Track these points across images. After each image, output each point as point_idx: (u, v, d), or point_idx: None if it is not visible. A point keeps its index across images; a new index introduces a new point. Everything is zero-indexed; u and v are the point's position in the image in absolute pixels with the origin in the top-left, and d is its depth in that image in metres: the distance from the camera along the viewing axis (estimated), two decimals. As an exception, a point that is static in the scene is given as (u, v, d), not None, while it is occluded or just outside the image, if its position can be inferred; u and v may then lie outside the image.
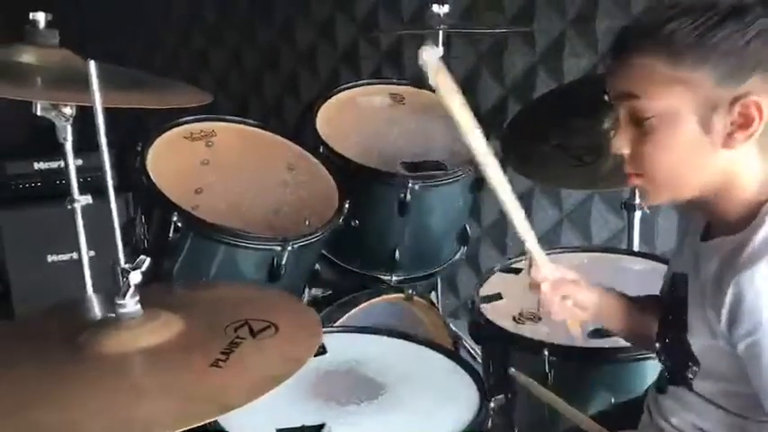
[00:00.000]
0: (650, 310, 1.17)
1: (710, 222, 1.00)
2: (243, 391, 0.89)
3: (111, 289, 1.07)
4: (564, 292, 1.12)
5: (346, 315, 1.72)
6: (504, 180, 1.08)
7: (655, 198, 0.98)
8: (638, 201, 1.99)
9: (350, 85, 1.95)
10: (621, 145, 0.95)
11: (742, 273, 0.87)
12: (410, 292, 1.81)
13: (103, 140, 1.14)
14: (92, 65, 1.12)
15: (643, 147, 0.93)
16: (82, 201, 1.47)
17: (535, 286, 1.12)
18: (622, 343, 1.44)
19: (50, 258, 2.64)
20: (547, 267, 1.12)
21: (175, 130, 1.64)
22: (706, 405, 0.99)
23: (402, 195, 1.68)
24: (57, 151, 1.52)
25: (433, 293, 2.16)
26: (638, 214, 1.99)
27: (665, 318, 1.08)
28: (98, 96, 1.11)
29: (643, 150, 0.93)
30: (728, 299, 0.88)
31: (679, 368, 1.02)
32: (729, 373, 0.95)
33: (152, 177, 1.50)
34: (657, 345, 1.09)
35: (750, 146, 0.91)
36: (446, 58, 2.31)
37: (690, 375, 1.00)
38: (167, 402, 0.88)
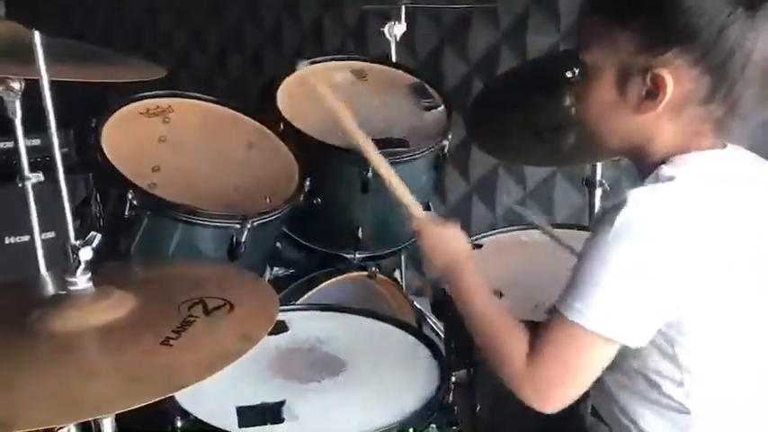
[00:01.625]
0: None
1: (637, 176, 1.06)
2: (192, 369, 0.87)
3: (64, 266, 1.04)
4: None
5: (309, 293, 1.71)
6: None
7: (599, 150, 1.12)
8: (599, 178, 2.01)
9: (312, 60, 1.92)
10: (574, 92, 1.07)
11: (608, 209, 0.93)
12: (373, 269, 1.81)
13: (51, 114, 1.11)
14: (36, 35, 1.08)
15: (577, 96, 1.03)
16: (33, 178, 1.44)
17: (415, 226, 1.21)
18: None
19: (8, 240, 2.58)
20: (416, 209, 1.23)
21: (131, 105, 1.60)
22: (629, 359, 1.02)
23: (364, 173, 1.67)
24: (11, 130, 1.48)
25: (397, 271, 2.16)
26: (598, 191, 2.01)
27: None
28: (43, 68, 1.07)
29: (576, 99, 1.04)
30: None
31: None
32: None
33: (107, 154, 1.46)
34: None
35: (662, 114, 0.95)
36: (409, 35, 2.31)
37: None
38: (115, 382, 0.87)
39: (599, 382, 1.12)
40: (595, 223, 0.97)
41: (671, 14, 0.90)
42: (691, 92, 0.92)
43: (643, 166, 1.00)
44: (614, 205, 0.92)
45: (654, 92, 0.93)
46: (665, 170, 0.95)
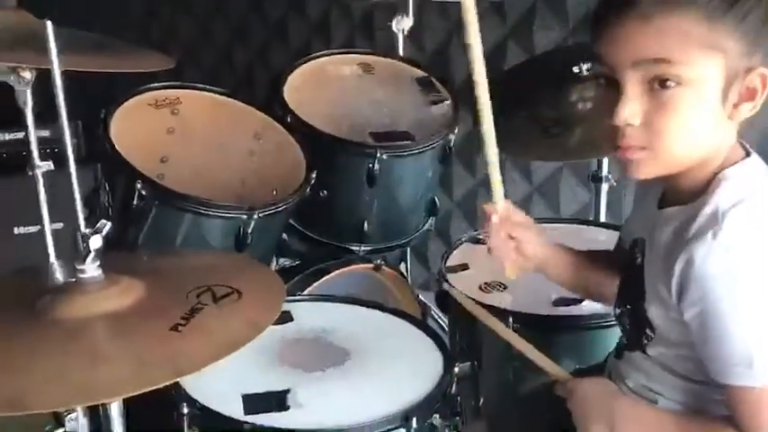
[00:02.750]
0: (601, 265, 1.19)
1: (667, 189, 1.01)
2: (200, 355, 0.88)
3: (73, 255, 1.06)
4: (510, 229, 1.13)
5: (314, 285, 1.72)
6: (488, 104, 1.14)
7: (650, 171, 0.93)
8: (605, 173, 2.01)
9: (319, 54, 1.93)
10: (633, 115, 0.88)
11: (689, 245, 0.87)
12: (379, 262, 1.82)
13: (61, 103, 1.12)
14: (48, 25, 1.09)
15: (659, 117, 0.87)
16: (43, 167, 1.45)
17: (487, 217, 1.14)
18: (585, 311, 1.47)
19: (17, 230, 2.60)
20: (501, 201, 1.13)
21: (140, 97, 1.61)
22: (659, 369, 1.01)
23: (370, 166, 1.68)
24: (22, 122, 1.50)
25: (403, 265, 2.17)
26: (604, 186, 2.01)
27: (623, 283, 1.10)
28: (55, 57, 1.08)
29: (659, 121, 0.87)
30: (677, 271, 0.88)
31: (636, 333, 1.04)
32: (680, 339, 0.96)
33: (116, 145, 1.47)
34: (618, 310, 1.11)
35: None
36: (417, 29, 2.31)
37: (645, 341, 1.02)
38: (123, 367, 0.88)
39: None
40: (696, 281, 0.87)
41: (764, 14, 0.85)
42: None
43: (688, 175, 0.92)
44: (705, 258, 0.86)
45: (750, 93, 0.86)
46: (733, 184, 0.89)
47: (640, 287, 1.01)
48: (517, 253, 1.14)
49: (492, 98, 2.03)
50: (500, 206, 1.13)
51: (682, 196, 0.96)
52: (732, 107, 0.88)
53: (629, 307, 1.07)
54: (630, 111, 0.88)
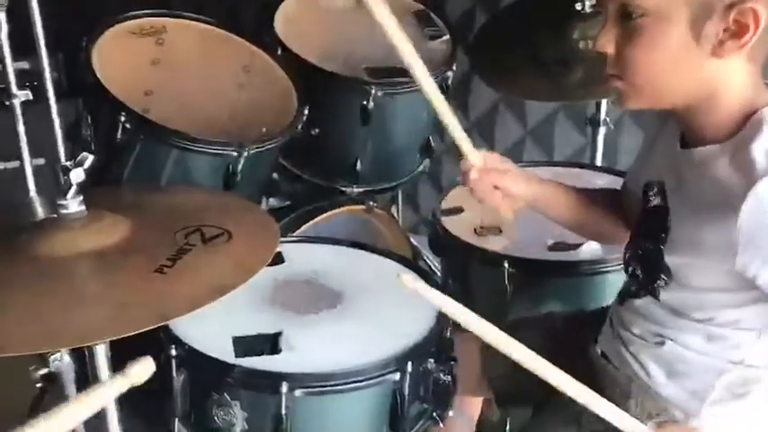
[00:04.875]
0: (600, 204, 1.17)
1: (689, 131, 0.96)
2: (186, 299, 0.84)
3: (55, 191, 1.00)
4: (492, 180, 1.11)
5: (305, 226, 1.68)
6: (429, 79, 1.10)
7: (633, 102, 0.94)
8: (602, 116, 1.97)
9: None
10: (605, 43, 0.90)
11: (759, 183, 0.82)
12: (371, 204, 1.78)
13: (39, 29, 1.05)
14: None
15: (628, 47, 0.89)
16: (21, 96, 1.38)
17: (464, 175, 1.11)
18: (582, 256, 1.45)
19: (-2, 166, 2.53)
20: (473, 156, 1.10)
21: (122, 24, 1.52)
22: (670, 314, 1.00)
23: (364, 102, 1.62)
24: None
25: (394, 208, 2.13)
26: (602, 130, 1.97)
27: (638, 228, 1.06)
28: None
29: (627, 51, 0.89)
30: (746, 213, 0.84)
31: (648, 279, 1.01)
32: (709, 284, 0.94)
33: (98, 75, 1.40)
34: (627, 253, 1.07)
35: (738, 55, 0.86)
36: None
37: (659, 286, 0.99)
38: (103, 309, 0.84)
39: (609, 332, 1.12)
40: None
41: None
42: (767, 23, 0.83)
43: (709, 117, 0.90)
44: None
45: (738, 30, 0.83)
46: None
47: (659, 231, 0.97)
48: (506, 197, 1.13)
49: (489, 36, 1.99)
50: (474, 159, 1.10)
51: (707, 136, 0.92)
52: (716, 44, 0.85)
53: (640, 252, 1.04)
54: (604, 38, 0.90)
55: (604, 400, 0.88)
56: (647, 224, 1.03)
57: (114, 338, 0.80)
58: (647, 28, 0.86)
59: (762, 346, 0.95)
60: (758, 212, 0.84)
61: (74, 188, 0.93)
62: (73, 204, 0.94)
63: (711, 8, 0.83)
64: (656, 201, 1.00)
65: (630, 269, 1.07)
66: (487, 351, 1.29)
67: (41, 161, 1.63)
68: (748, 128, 0.87)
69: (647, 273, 1.02)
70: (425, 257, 2.02)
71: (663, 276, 0.98)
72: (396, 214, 2.11)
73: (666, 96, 0.92)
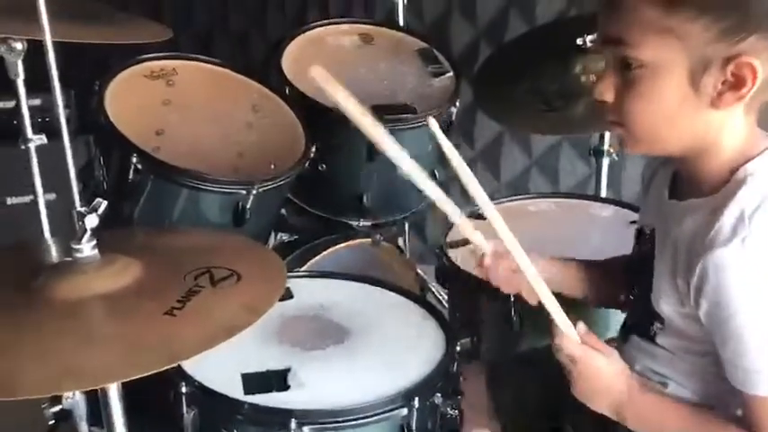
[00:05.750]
0: (615, 272, 1.16)
1: (679, 179, 0.98)
2: (195, 340, 0.86)
3: (69, 233, 1.03)
4: (509, 264, 1.09)
5: (313, 260, 1.70)
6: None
7: (633, 149, 0.95)
8: (606, 147, 1.99)
9: (318, 23, 1.88)
10: (605, 92, 0.91)
11: (711, 252, 0.85)
12: (378, 237, 1.80)
13: (54, 74, 1.09)
14: (40, -6, 1.05)
15: (626, 97, 0.89)
16: (36, 140, 1.42)
17: (479, 263, 1.10)
18: (588, 288, 1.46)
19: (10, 201, 2.57)
20: (484, 243, 1.09)
21: (134, 68, 1.57)
22: (669, 356, 1.00)
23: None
24: (12, 90, 1.46)
25: (401, 239, 2.15)
26: (605, 161, 1.99)
27: (633, 270, 1.08)
28: (47, 27, 1.04)
29: (626, 100, 0.90)
30: (697, 274, 0.87)
31: (644, 323, 1.02)
32: (694, 335, 0.95)
33: (110, 117, 1.43)
34: (622, 297, 1.09)
35: (737, 107, 0.87)
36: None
37: (653, 330, 1.00)
38: (115, 350, 0.86)
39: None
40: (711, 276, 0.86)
41: None
42: (766, 76, 0.85)
43: (702, 167, 0.92)
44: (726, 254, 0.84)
45: (736, 82, 0.84)
46: (756, 181, 0.87)
47: (647, 280, 0.99)
48: (525, 285, 1.11)
49: (493, 69, 2.02)
50: (485, 247, 1.10)
51: (694, 188, 0.94)
52: (715, 96, 0.86)
53: (631, 297, 1.06)
54: (603, 87, 0.91)
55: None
56: (637, 269, 1.04)
57: (123, 380, 0.81)
58: (646, 79, 0.87)
59: None
60: (703, 282, 0.86)
61: (88, 233, 0.96)
62: (87, 248, 0.97)
63: (709, 61, 0.84)
64: (645, 246, 1.02)
65: (627, 312, 1.08)
66: (494, 383, 1.31)
67: (53, 196, 1.67)
68: (731, 184, 0.89)
69: (641, 317, 1.03)
70: (432, 289, 2.04)
71: (655, 322, 0.99)
72: (403, 246, 2.13)
73: (664, 145, 0.93)
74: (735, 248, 0.84)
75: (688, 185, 0.96)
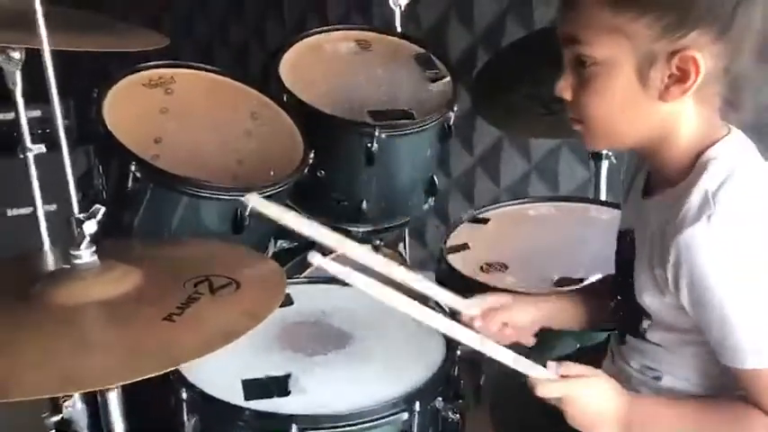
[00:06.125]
0: (606, 292, 1.16)
1: (650, 176, 1.01)
2: (193, 346, 0.87)
3: (68, 241, 1.04)
4: (497, 321, 1.11)
5: (313, 266, 1.69)
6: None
7: (592, 144, 1.00)
8: (605, 150, 1.99)
9: (315, 31, 1.89)
10: (563, 89, 0.95)
11: (683, 231, 0.87)
12: (377, 242, 1.80)
13: (53, 85, 1.09)
14: (37, 3, 1.06)
15: (582, 93, 0.94)
16: (35, 150, 1.42)
17: (470, 325, 1.11)
18: (587, 291, 1.46)
19: (10, 212, 2.58)
20: (468, 307, 1.11)
21: (132, 76, 1.57)
22: (662, 351, 1.01)
23: (369, 145, 1.65)
24: (12, 101, 1.47)
25: (401, 245, 2.15)
26: (605, 164, 1.99)
27: (614, 278, 1.09)
28: (45, 36, 1.05)
29: (581, 97, 0.94)
30: (672, 258, 0.89)
31: (633, 322, 1.03)
32: (679, 325, 0.96)
33: (108, 126, 1.44)
34: (612, 303, 1.10)
35: (687, 99, 0.91)
36: (414, 5, 2.27)
37: (643, 328, 1.01)
38: (114, 355, 0.87)
39: (610, 365, 1.12)
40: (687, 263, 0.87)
41: None
42: (712, 68, 0.89)
43: (665, 159, 0.95)
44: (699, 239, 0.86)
45: (681, 75, 0.88)
46: (717, 163, 0.90)
47: (629, 279, 1.00)
48: (516, 330, 1.13)
49: (491, 74, 2.03)
50: (472, 311, 1.11)
51: (665, 181, 0.97)
52: (662, 89, 0.89)
53: (619, 298, 1.06)
54: (562, 85, 0.95)
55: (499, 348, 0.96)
56: (620, 270, 1.06)
57: (123, 383, 0.82)
58: (598, 75, 0.91)
59: None
60: (678, 265, 0.88)
61: (87, 239, 0.96)
62: (86, 255, 0.97)
63: (655, 56, 0.88)
64: (627, 248, 1.03)
65: (616, 316, 1.09)
66: (496, 408, 1.31)
67: (53, 207, 1.67)
68: (694, 172, 0.92)
69: (630, 316, 1.04)
70: (434, 294, 2.03)
71: (643, 319, 1.00)
72: (403, 251, 2.13)
73: (621, 138, 0.97)
74: (702, 226, 0.87)
75: (656, 181, 0.99)
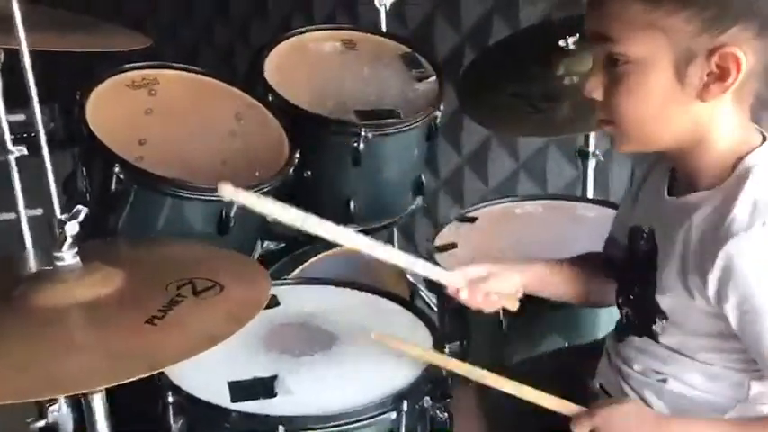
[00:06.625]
0: (589, 268, 1.17)
1: (677, 175, 0.98)
2: (175, 349, 0.86)
3: (50, 243, 1.02)
4: (481, 291, 1.11)
5: (300, 267, 1.69)
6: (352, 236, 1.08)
7: (624, 146, 0.95)
8: (592, 149, 1.99)
9: (300, 30, 1.88)
10: (593, 89, 0.91)
11: (730, 241, 0.84)
12: (366, 242, 1.79)
13: (32, 85, 1.08)
14: (14, 2, 1.04)
15: (614, 93, 0.90)
16: (16, 152, 1.40)
17: (455, 295, 1.11)
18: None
19: (-2, 217, 2.55)
20: (453, 279, 1.10)
21: (116, 77, 1.55)
22: (673, 354, 0.99)
23: (355, 145, 1.64)
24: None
25: (390, 245, 2.14)
26: (592, 162, 2.00)
27: (626, 274, 1.07)
28: (23, 37, 1.04)
29: (614, 97, 0.90)
30: (717, 268, 0.86)
31: (645, 322, 1.01)
32: (703, 329, 0.94)
33: (92, 127, 1.43)
34: (619, 300, 1.08)
35: (725, 98, 0.88)
36: (399, 4, 2.28)
37: (657, 329, 0.99)
38: (95, 358, 0.86)
39: (607, 366, 1.12)
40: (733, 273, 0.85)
41: None
42: (753, 66, 0.86)
43: (699, 162, 0.92)
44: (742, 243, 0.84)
45: (720, 73, 0.85)
46: (761, 170, 0.87)
47: (650, 278, 0.98)
48: (502, 297, 1.14)
49: (477, 73, 2.03)
50: (457, 281, 1.11)
51: (698, 182, 0.93)
52: (701, 88, 0.86)
53: (631, 297, 1.04)
54: (592, 85, 0.91)
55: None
56: (634, 269, 1.03)
57: (105, 387, 0.81)
58: (632, 74, 0.87)
59: (766, 384, 0.94)
60: (728, 274, 0.86)
61: (69, 241, 0.95)
62: (68, 256, 0.96)
63: (694, 53, 0.85)
64: (642, 246, 1.01)
65: (625, 313, 1.07)
66: (485, 402, 1.31)
67: (39, 212, 1.65)
68: (735, 177, 0.89)
69: (642, 316, 1.02)
70: (422, 294, 2.03)
71: (658, 319, 0.98)
72: (392, 251, 2.12)
73: (656, 140, 0.93)
74: (756, 232, 0.84)
75: (686, 181, 0.96)
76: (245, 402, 1.10)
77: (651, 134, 0.91)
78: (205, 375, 1.14)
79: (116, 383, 0.80)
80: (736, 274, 0.85)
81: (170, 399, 1.12)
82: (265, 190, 1.51)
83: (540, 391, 1.03)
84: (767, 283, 0.85)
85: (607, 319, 1.28)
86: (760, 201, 0.86)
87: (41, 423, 1.16)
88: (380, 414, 1.10)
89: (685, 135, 0.91)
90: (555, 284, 1.18)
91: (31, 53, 1.25)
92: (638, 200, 1.08)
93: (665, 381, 1.01)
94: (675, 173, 0.99)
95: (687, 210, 0.92)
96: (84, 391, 0.96)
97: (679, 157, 0.94)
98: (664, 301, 0.96)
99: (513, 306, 1.16)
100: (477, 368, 1.08)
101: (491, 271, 1.13)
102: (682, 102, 0.87)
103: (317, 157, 1.67)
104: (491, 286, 1.11)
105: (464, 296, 1.10)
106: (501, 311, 1.39)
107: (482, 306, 1.12)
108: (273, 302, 1.36)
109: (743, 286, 0.85)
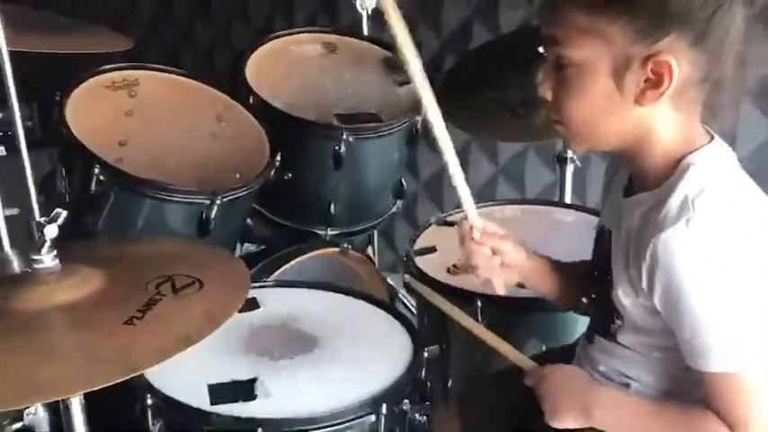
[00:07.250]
0: (580, 276, 1.17)
1: (632, 177, 1.02)
2: (153, 351, 0.85)
3: (29, 245, 1.02)
4: (492, 243, 1.11)
5: (280, 270, 1.69)
6: (443, 126, 1.09)
7: (574, 145, 1.02)
8: (569, 154, 2.02)
9: (281, 33, 1.89)
10: (545, 90, 0.96)
11: (661, 232, 0.88)
12: (346, 246, 1.79)
13: (11, 85, 1.07)
14: (-6, 3, 1.04)
15: (561, 95, 0.95)
16: (-6, 151, 1.39)
17: (464, 237, 1.12)
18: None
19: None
20: (477, 219, 1.11)
21: (95, 78, 1.55)
22: (631, 355, 1.02)
23: (336, 148, 1.65)
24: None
25: (370, 248, 2.15)
26: (569, 167, 2.02)
27: (591, 273, 1.10)
28: (2, 37, 1.03)
29: (561, 98, 0.95)
30: (648, 257, 0.90)
31: (604, 321, 1.04)
32: (651, 327, 0.97)
33: (71, 128, 1.42)
34: (584, 300, 1.11)
35: (663, 103, 0.91)
36: (381, 8, 2.26)
37: (614, 328, 1.02)
38: (74, 363, 0.85)
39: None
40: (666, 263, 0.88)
41: None
42: (690, 75, 0.89)
43: (644, 162, 0.96)
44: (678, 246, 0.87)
45: (656, 80, 0.89)
46: (697, 169, 0.91)
47: (608, 277, 1.01)
48: (502, 267, 1.14)
49: (458, 78, 2.04)
50: (476, 221, 1.11)
51: (646, 182, 0.97)
52: (638, 93, 0.90)
53: (594, 296, 1.07)
54: (544, 86, 0.96)
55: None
56: (596, 268, 1.07)
57: (83, 392, 0.80)
58: (575, 77, 0.92)
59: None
60: (654, 265, 0.89)
61: (47, 244, 0.94)
62: (47, 259, 0.95)
63: (630, 60, 0.89)
64: (604, 247, 1.04)
65: (591, 313, 1.10)
66: (464, 407, 1.33)
67: (16, 211, 1.64)
68: (675, 176, 0.93)
69: (603, 315, 1.05)
70: (402, 297, 2.04)
71: (615, 319, 1.01)
72: (372, 255, 2.13)
73: (602, 141, 0.97)
74: (680, 229, 0.88)
75: (637, 182, 1.00)
76: (225, 405, 1.11)
77: (596, 135, 0.96)
78: (185, 378, 1.14)
79: (93, 389, 0.79)
80: (661, 266, 0.88)
81: (149, 401, 1.11)
82: (246, 192, 1.51)
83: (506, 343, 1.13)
84: (688, 277, 0.88)
85: (584, 322, 1.30)
86: (689, 197, 0.89)
87: (17, 425, 1.15)
88: (360, 417, 1.11)
89: (628, 136, 0.95)
90: (544, 282, 1.20)
91: (12, 53, 1.24)
92: (606, 201, 1.13)
93: (628, 385, 1.03)
94: (632, 173, 1.03)
95: (633, 208, 0.97)
96: (56, 398, 0.94)
97: (629, 157, 0.98)
98: (617, 299, 1.00)
99: (511, 281, 1.17)
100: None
101: (508, 233, 1.15)
102: (621, 105, 0.91)
103: (299, 159, 1.67)
104: (502, 246, 1.13)
105: (476, 236, 1.11)
106: (479, 313, 1.42)
107: (480, 263, 1.12)
108: (253, 305, 1.36)
109: (666, 279, 0.89)
